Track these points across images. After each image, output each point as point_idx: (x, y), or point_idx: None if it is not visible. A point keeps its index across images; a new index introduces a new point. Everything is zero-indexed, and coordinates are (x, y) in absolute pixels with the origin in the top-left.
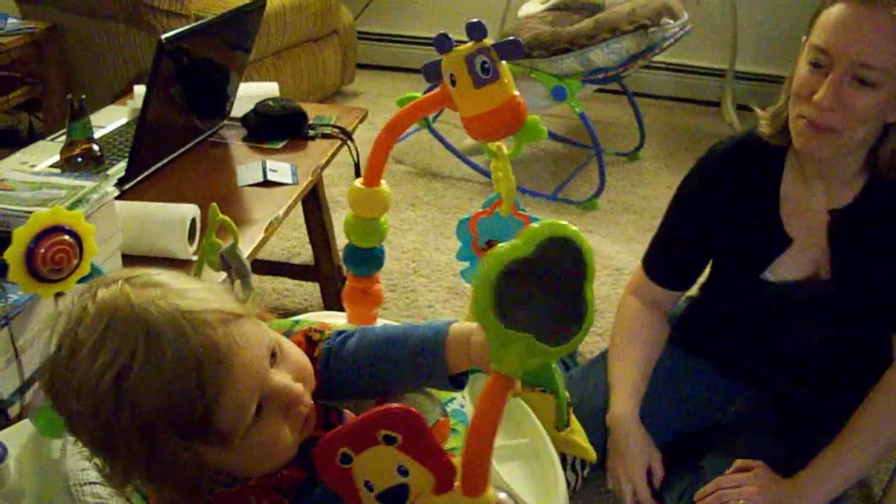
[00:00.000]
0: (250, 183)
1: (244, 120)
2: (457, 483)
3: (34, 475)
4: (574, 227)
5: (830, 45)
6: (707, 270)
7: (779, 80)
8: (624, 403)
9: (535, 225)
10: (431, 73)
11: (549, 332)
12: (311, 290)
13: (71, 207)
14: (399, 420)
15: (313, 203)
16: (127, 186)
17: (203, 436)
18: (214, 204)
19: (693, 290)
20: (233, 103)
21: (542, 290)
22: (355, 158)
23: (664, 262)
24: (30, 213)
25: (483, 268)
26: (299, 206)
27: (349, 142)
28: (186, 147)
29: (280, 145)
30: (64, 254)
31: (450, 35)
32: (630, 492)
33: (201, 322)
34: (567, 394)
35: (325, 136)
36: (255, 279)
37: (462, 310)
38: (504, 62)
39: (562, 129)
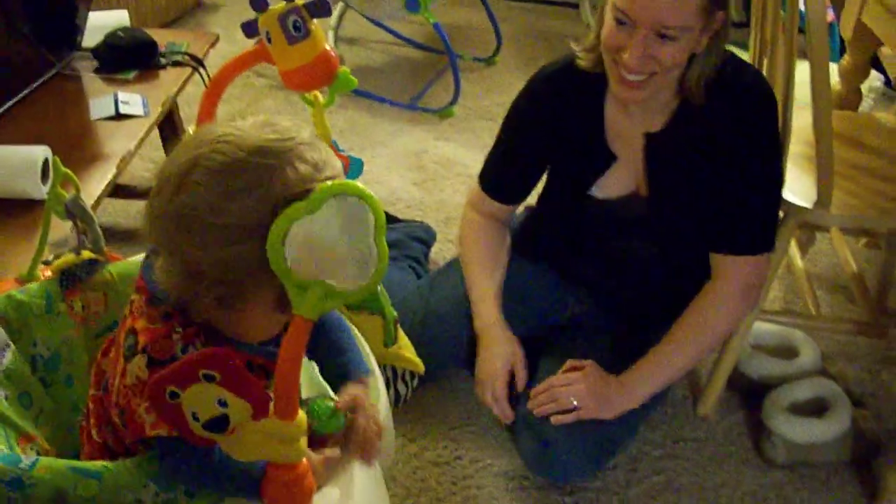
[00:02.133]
0: (103, 116)
1: (95, 51)
2: (271, 410)
3: None
4: (360, 186)
5: (630, 11)
6: (542, 183)
7: None
8: (490, 312)
9: (323, 185)
10: (250, 29)
11: (344, 277)
12: None
13: None
14: (215, 361)
15: (170, 132)
16: None
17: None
18: (57, 158)
19: (531, 200)
20: (83, 33)
21: (333, 242)
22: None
23: (498, 178)
24: None
25: (273, 225)
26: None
27: (201, 69)
28: (38, 82)
29: (131, 75)
30: None
31: None
32: (490, 390)
33: None
34: (394, 312)
35: (177, 65)
36: (123, 203)
37: None
38: (315, 20)
39: (420, 35)
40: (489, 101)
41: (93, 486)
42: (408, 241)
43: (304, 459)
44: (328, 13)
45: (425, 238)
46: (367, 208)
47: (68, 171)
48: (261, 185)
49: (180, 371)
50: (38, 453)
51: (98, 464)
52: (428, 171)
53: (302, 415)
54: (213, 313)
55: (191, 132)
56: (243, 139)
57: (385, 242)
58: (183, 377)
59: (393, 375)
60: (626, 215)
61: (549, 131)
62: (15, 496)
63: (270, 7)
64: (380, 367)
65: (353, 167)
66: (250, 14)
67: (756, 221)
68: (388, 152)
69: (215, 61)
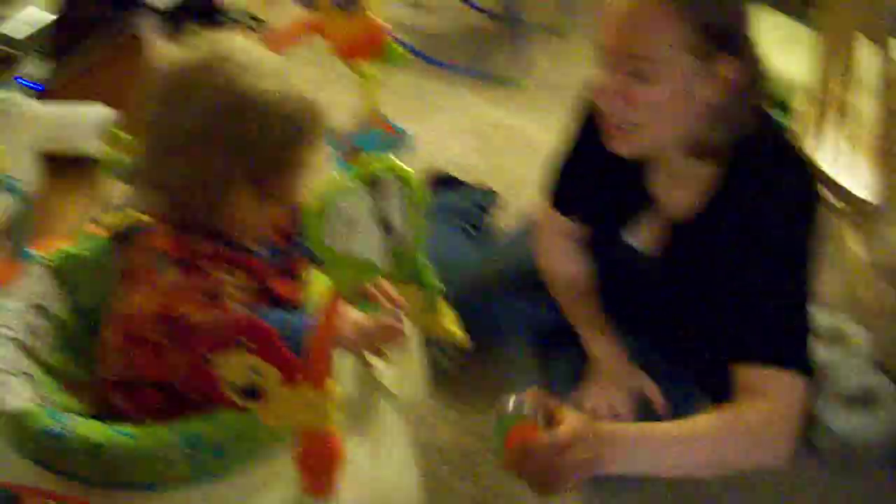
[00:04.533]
0: None
1: (158, 9)
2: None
3: None
4: (400, 163)
5: (603, 39)
6: None
7: None
8: (608, 345)
9: (366, 160)
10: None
11: (379, 254)
12: None
13: None
14: (248, 330)
15: None
16: (46, 86)
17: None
18: (112, 120)
19: None
20: None
21: (369, 217)
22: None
23: (563, 189)
24: None
25: (313, 202)
26: None
27: (260, 28)
28: (102, 40)
29: (192, 34)
30: None
31: None
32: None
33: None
34: (437, 283)
35: (237, 23)
36: None
37: None
38: None
39: (486, 2)
40: (555, 71)
41: (127, 444)
42: (468, 205)
43: (334, 428)
44: None
45: (486, 204)
46: (407, 188)
47: (120, 133)
48: (192, 95)
49: (216, 338)
50: (81, 400)
51: (131, 426)
52: (489, 140)
53: (332, 383)
54: (210, 220)
55: None
56: (173, 64)
57: (422, 221)
58: (218, 344)
59: (433, 346)
60: (641, 268)
61: (597, 152)
62: (54, 446)
63: None
64: (420, 337)
65: (403, 139)
66: None
67: (777, 325)
68: (451, 119)
69: (281, 18)
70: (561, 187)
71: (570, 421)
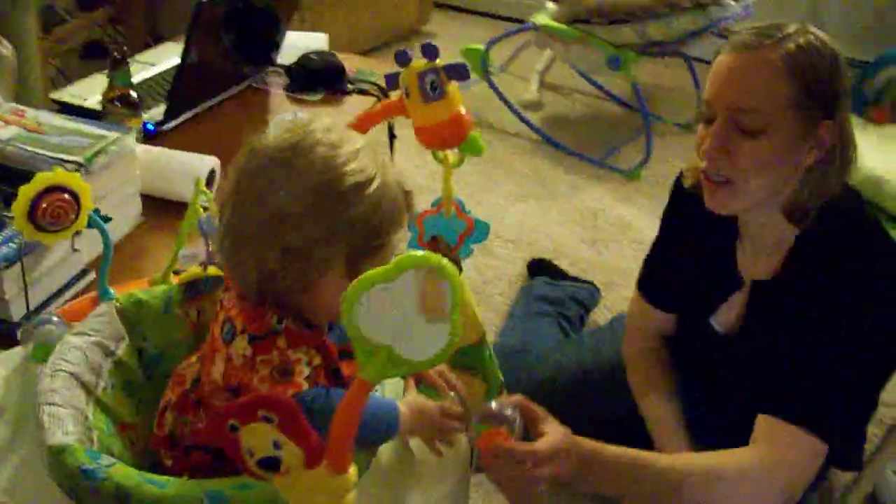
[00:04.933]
0: None
1: (288, 69)
2: (324, 461)
3: (18, 394)
4: (442, 259)
5: (709, 96)
6: None
7: (850, 63)
8: (678, 447)
9: (404, 254)
10: (391, 82)
11: (412, 347)
12: None
13: (91, 158)
14: (275, 405)
15: None
16: (163, 128)
17: (361, 254)
18: (200, 177)
19: None
20: (279, 50)
21: (406, 310)
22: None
23: (655, 282)
24: (53, 158)
25: (351, 286)
26: None
27: (384, 98)
28: (227, 93)
29: (318, 98)
30: (62, 209)
31: (409, 51)
32: None
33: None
34: (500, 377)
35: (362, 92)
36: None
37: (491, 263)
38: (454, 82)
39: (621, 91)
40: (678, 167)
41: (155, 492)
42: (568, 301)
43: None
44: (466, 77)
45: (587, 302)
46: (447, 284)
47: (206, 191)
48: (290, 176)
49: (243, 408)
50: (132, 442)
51: (164, 477)
52: (601, 231)
53: (353, 471)
54: (293, 298)
55: None
56: (264, 143)
57: (458, 319)
58: (244, 413)
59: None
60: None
61: (685, 239)
62: (86, 484)
63: (412, 63)
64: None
65: (478, 230)
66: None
67: (816, 389)
68: (565, 205)
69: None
70: (652, 277)
71: (553, 433)
